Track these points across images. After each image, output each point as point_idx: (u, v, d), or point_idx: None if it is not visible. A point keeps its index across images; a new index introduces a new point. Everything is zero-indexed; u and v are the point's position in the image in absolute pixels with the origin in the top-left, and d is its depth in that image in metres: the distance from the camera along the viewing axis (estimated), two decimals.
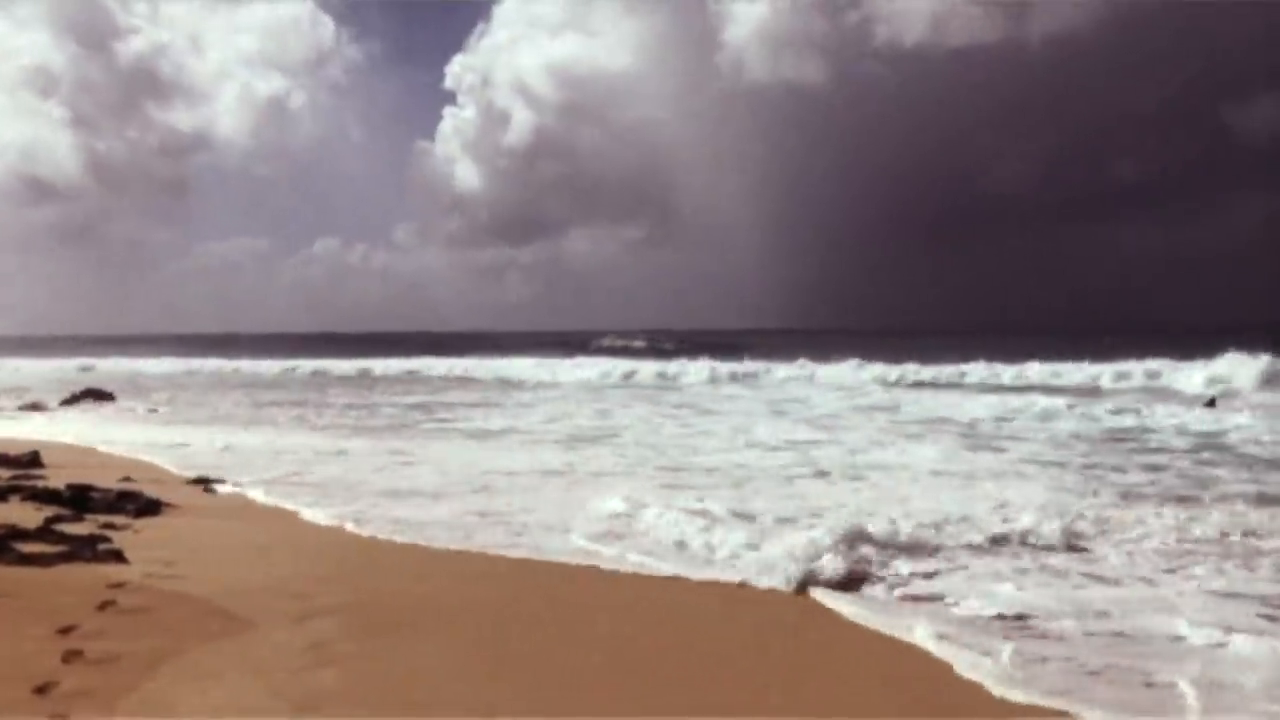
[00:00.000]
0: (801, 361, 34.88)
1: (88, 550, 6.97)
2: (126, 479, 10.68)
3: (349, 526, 8.72)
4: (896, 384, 29.59)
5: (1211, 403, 17.30)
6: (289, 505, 9.78)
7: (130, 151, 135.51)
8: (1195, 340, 28.23)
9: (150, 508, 9.02)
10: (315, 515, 9.24)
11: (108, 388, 27.71)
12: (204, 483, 10.96)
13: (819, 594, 6.50)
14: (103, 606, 5.58)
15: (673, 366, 36.33)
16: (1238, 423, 16.59)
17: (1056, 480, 11.09)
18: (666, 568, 7.23)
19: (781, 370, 34.31)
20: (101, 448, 14.72)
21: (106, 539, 7.44)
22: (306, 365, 45.73)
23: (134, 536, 7.79)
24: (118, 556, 6.88)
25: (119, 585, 6.04)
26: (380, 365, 44.22)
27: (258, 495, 10.39)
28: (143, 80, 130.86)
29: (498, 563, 7.43)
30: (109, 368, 48.80)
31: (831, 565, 6.84)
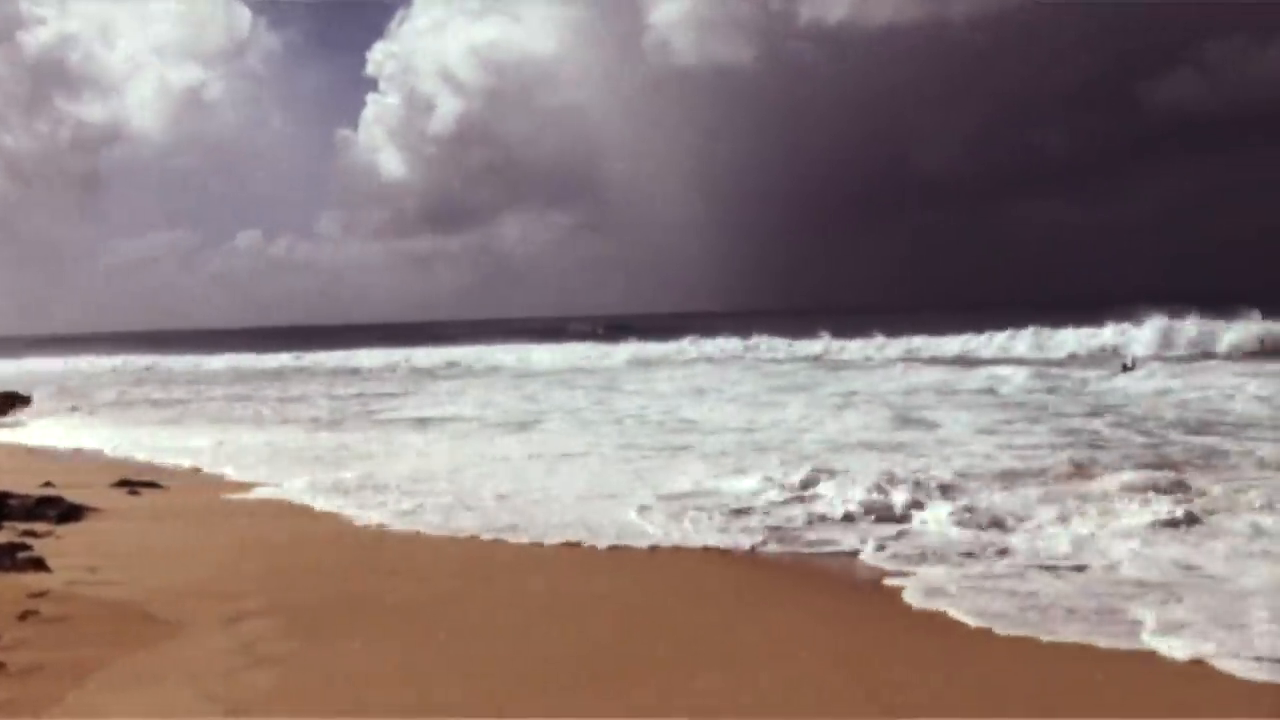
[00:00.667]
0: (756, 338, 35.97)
1: (6, 559, 6.76)
2: (47, 484, 10.37)
3: (282, 523, 8.60)
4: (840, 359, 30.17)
5: (1130, 366, 17.95)
6: (221, 505, 9.61)
7: (40, 146, 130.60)
8: (1115, 308, 29.55)
9: (72, 513, 8.78)
10: (244, 515, 9.09)
11: (24, 389, 26.79)
12: (128, 485, 10.69)
13: None
14: (24, 616, 5.43)
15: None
16: (1161, 386, 17.47)
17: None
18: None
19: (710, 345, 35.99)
20: (15, 453, 14.28)
21: (26, 547, 7.22)
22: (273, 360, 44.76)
23: (56, 543, 7.58)
24: (38, 565, 6.69)
25: (41, 594, 5.88)
26: (311, 359, 43.59)
27: (184, 498, 10.18)
28: (51, 72, 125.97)
29: (444, 553, 7.40)
30: (25, 368, 47.16)
31: None
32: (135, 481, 10.87)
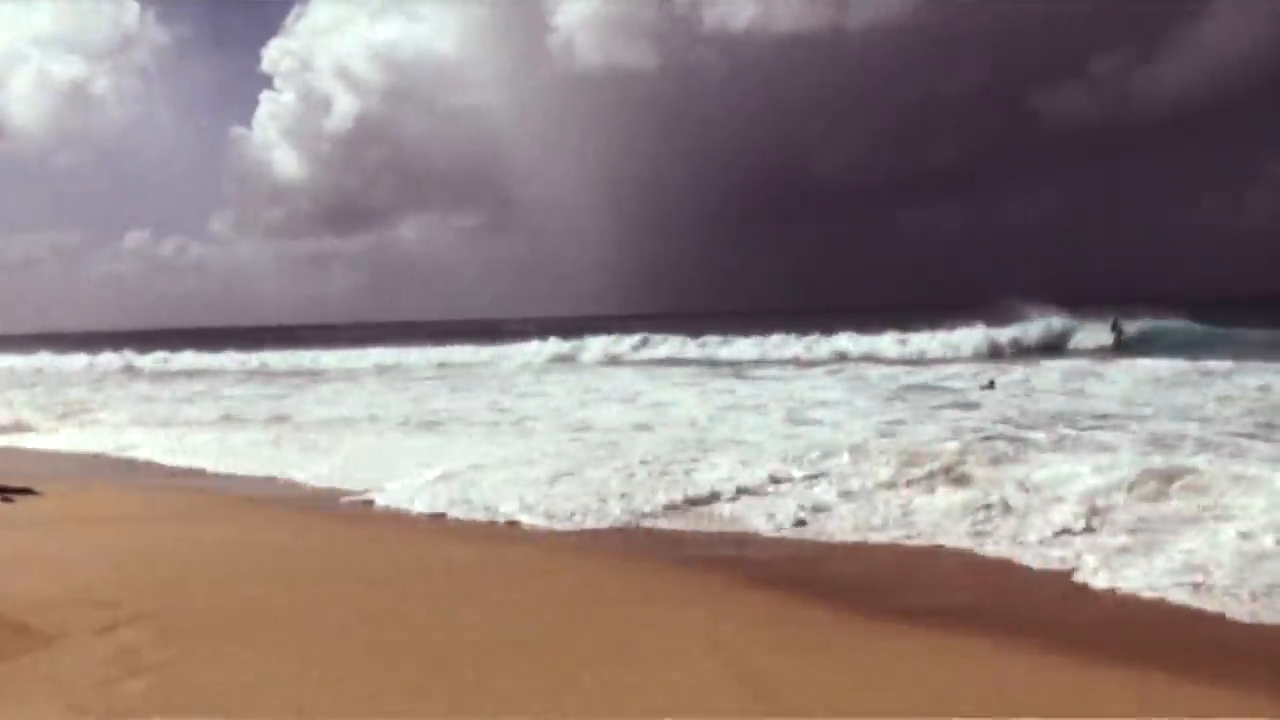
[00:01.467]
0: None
1: None
2: None
3: (169, 528, 8.31)
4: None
5: (989, 386, 18.56)
6: (98, 512, 9.24)
7: None
8: (997, 310, 31.21)
9: None
10: (127, 521, 8.76)
11: None
12: (1, 492, 10.20)
13: None
14: None
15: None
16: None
17: None
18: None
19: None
20: None
21: None
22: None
23: None
24: None
25: None
26: (193, 360, 42.29)
27: (60, 504, 9.76)
28: None
29: (341, 555, 7.25)
30: None
31: None
32: (8, 488, 10.38)
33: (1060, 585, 6.26)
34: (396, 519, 8.91)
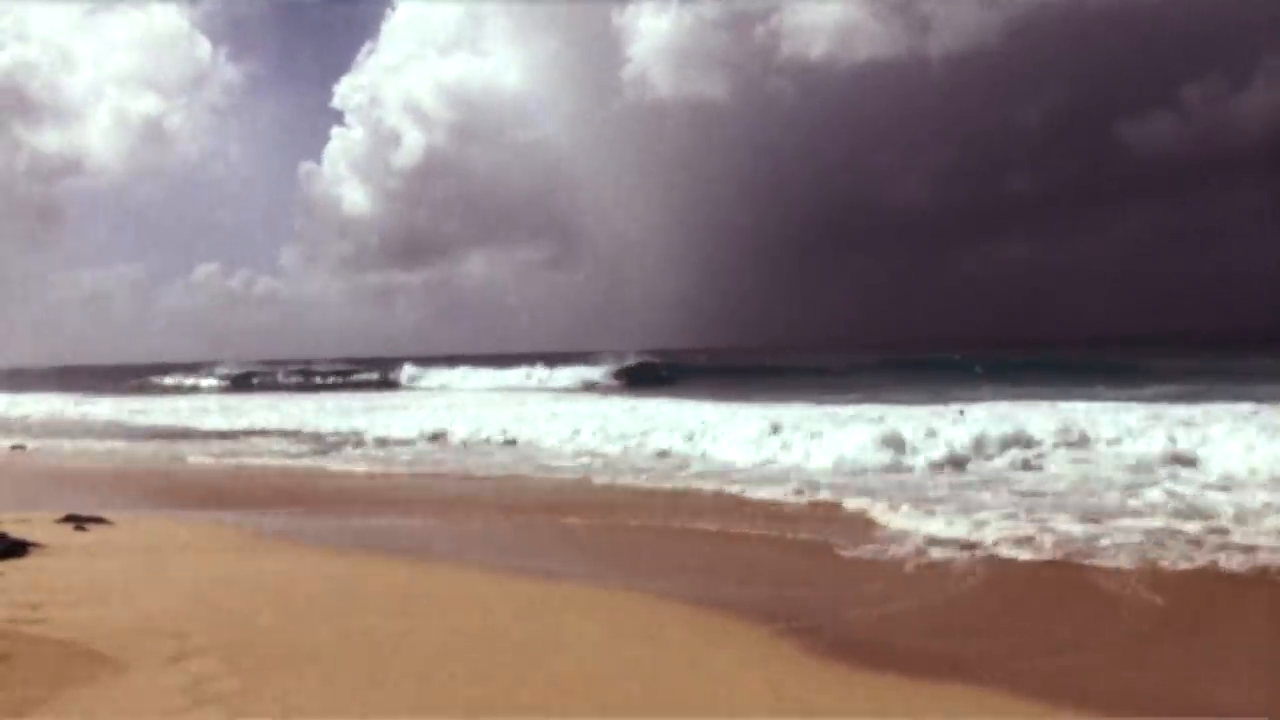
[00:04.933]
0: None
1: None
2: None
3: (235, 558, 8.47)
4: None
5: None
6: (166, 542, 9.44)
7: None
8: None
9: (15, 549, 8.57)
10: (193, 551, 8.94)
11: None
12: (75, 520, 10.48)
13: None
14: None
15: None
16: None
17: None
18: None
19: None
20: None
21: None
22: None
23: None
24: None
25: None
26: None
27: (131, 533, 9.99)
28: (9, 99, 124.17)
29: (402, 584, 7.32)
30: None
31: None
32: (82, 517, 10.66)
33: None
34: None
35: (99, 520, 10.64)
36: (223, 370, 65.55)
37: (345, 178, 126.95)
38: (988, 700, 4.93)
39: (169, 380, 62.77)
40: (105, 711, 4.60)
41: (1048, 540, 8.37)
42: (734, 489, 12.20)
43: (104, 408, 39.61)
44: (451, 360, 61.16)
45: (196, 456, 18.75)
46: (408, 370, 55.64)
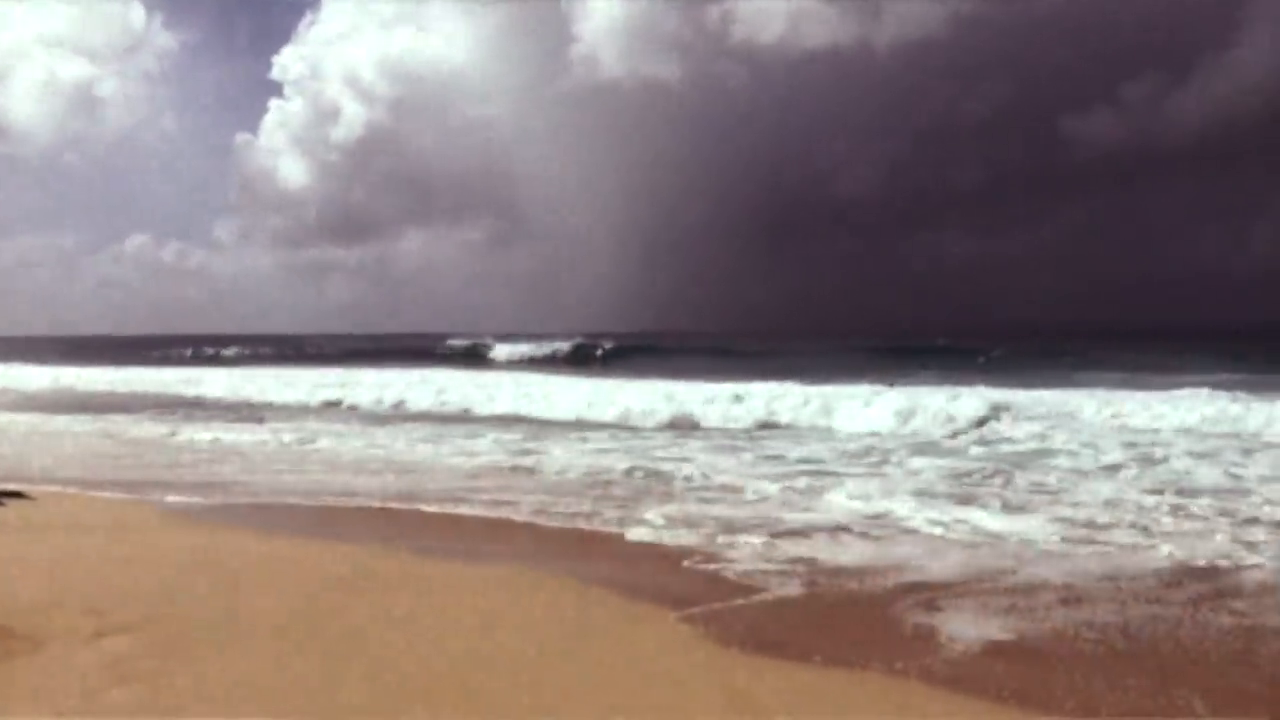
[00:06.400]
0: None
1: None
2: None
3: (154, 537, 8.31)
4: None
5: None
6: (84, 517, 9.24)
7: None
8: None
9: None
10: (117, 528, 8.76)
11: None
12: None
13: None
14: None
15: None
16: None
17: None
18: None
19: None
20: None
21: None
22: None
23: None
24: None
25: None
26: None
27: (52, 509, 9.75)
28: None
29: (323, 565, 7.25)
30: None
31: None
32: (10, 491, 10.37)
33: None
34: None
35: (17, 495, 10.37)
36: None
37: (282, 151, 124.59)
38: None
39: None
40: (20, 690, 4.50)
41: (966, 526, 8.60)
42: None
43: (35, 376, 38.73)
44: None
45: (130, 429, 18.35)
46: None
